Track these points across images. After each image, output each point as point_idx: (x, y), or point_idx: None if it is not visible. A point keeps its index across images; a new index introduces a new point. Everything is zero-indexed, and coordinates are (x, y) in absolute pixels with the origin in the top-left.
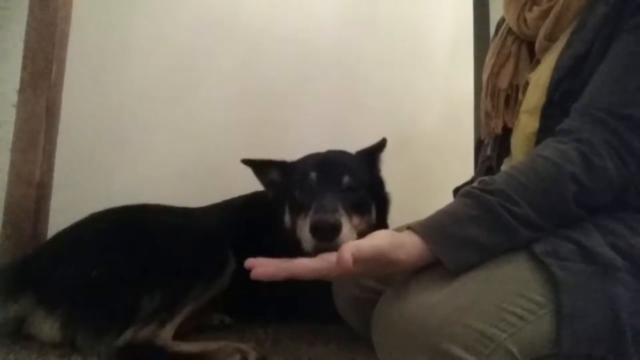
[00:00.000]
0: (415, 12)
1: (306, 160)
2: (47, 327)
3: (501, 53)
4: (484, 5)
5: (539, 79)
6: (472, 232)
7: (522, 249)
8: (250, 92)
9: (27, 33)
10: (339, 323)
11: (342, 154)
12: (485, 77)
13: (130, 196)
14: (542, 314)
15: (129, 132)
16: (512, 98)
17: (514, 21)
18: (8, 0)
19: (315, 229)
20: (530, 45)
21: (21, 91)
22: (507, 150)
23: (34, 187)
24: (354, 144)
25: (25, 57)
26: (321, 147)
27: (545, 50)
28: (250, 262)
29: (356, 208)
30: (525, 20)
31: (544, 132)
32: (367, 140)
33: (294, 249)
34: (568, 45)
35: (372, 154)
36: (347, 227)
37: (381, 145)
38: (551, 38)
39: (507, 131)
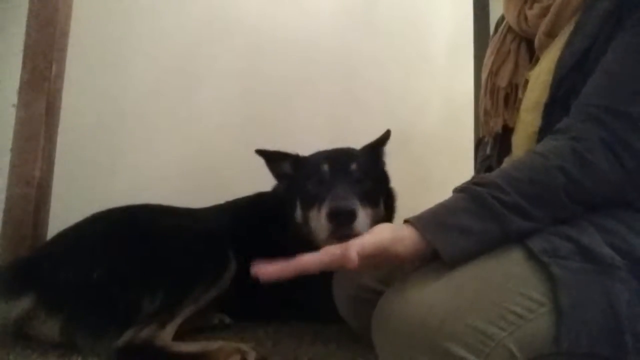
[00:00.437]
0: (415, 12)
1: (317, 155)
2: (48, 328)
3: (500, 51)
4: (484, 4)
5: (539, 76)
6: (464, 221)
7: (521, 247)
8: (251, 93)
9: (27, 33)
10: (339, 323)
11: (349, 149)
12: (484, 75)
13: (130, 196)
14: (542, 313)
15: (129, 132)
16: (511, 96)
17: (514, 19)
18: (8, 0)
19: (332, 215)
20: (530, 43)
21: (21, 91)
22: (507, 149)
23: (34, 187)
24: (354, 144)
25: (25, 57)
26: (321, 146)
27: (545, 47)
28: (257, 269)
29: (367, 198)
30: (525, 17)
31: (546, 130)
32: (367, 140)
33: (303, 244)
34: (570, 42)
35: (376, 147)
36: (362, 214)
37: (384, 138)
38: (551, 34)
39: (507, 130)
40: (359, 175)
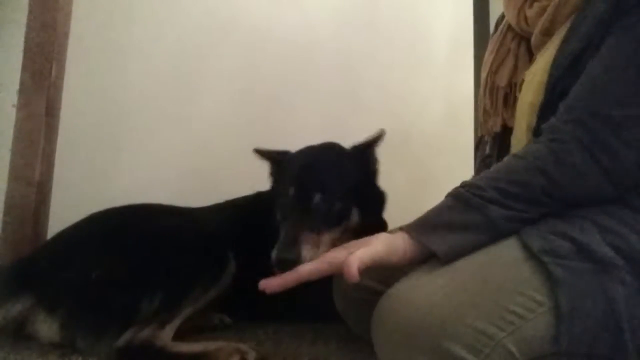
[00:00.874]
0: (415, 12)
1: (292, 164)
2: (47, 328)
3: (500, 50)
4: (484, 4)
5: (535, 76)
6: (447, 217)
7: (521, 247)
8: (251, 93)
9: (27, 33)
10: (339, 323)
11: (328, 155)
12: (484, 74)
13: (130, 196)
14: (541, 313)
15: (129, 132)
16: (510, 96)
17: (514, 18)
18: (8, 0)
19: (277, 263)
20: (530, 42)
21: (21, 91)
22: (506, 148)
23: (34, 187)
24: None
25: (25, 57)
26: None
27: (541, 45)
28: (263, 284)
29: (329, 223)
30: (525, 16)
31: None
32: None
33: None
34: (565, 42)
35: (367, 148)
36: (309, 253)
37: (376, 139)
38: (547, 33)
39: (506, 129)
40: (322, 204)
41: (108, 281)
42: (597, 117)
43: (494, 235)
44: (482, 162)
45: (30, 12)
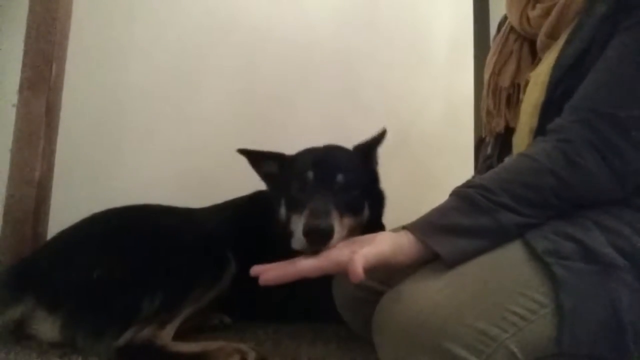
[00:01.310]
0: (415, 12)
1: (304, 156)
2: (48, 328)
3: (503, 51)
4: (484, 4)
5: (539, 77)
6: (455, 219)
7: (524, 247)
8: (251, 93)
9: (27, 33)
10: (339, 323)
11: (339, 150)
12: (486, 75)
13: (130, 196)
14: (544, 314)
15: (129, 132)
16: (513, 97)
17: (516, 19)
18: (8, 0)
19: (308, 234)
20: (532, 43)
21: (21, 91)
22: (508, 149)
23: (34, 187)
24: (353, 144)
25: (25, 57)
26: None
27: (547, 48)
28: (255, 269)
29: (349, 208)
30: (527, 18)
31: (542, 130)
32: None
33: (287, 242)
34: (568, 43)
35: (370, 147)
36: (338, 231)
37: (379, 138)
38: (552, 36)
39: (508, 130)
40: (342, 183)
41: (109, 281)
42: (603, 118)
43: (503, 241)
44: (483, 162)
45: (30, 12)
